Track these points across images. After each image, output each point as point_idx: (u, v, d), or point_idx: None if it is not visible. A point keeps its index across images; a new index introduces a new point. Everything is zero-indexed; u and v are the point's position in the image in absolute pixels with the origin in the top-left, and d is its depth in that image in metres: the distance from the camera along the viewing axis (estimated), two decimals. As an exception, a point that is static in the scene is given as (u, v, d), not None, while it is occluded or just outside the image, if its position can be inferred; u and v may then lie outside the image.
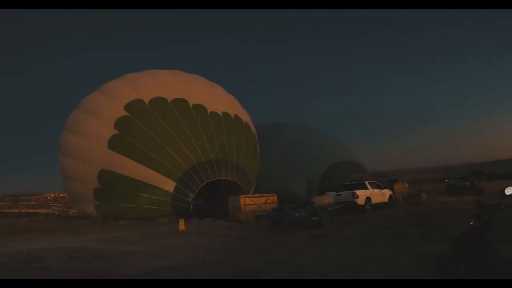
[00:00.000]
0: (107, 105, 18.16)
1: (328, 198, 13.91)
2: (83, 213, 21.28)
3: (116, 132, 17.46)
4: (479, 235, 4.39)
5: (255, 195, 15.80)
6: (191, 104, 18.67)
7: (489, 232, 4.47)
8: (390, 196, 17.92)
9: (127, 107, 17.80)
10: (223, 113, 19.71)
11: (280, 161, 23.33)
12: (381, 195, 17.01)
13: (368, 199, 15.65)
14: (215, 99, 20.14)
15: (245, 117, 21.69)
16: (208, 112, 19.00)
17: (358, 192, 15.36)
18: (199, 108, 18.80)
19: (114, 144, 17.42)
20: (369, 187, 16.42)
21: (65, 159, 19.35)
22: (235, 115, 20.50)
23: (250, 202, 14.92)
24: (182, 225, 12.63)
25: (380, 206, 16.71)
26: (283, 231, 11.15)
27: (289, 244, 8.45)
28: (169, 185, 17.30)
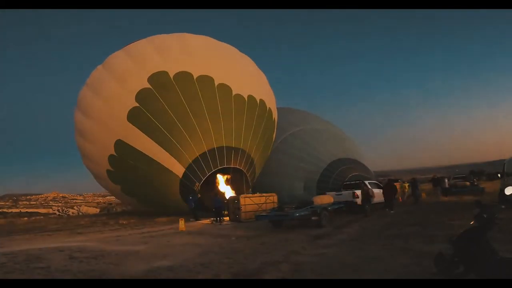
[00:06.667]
0: (132, 72, 17.35)
1: (328, 198, 13.90)
2: (93, 173, 20.75)
3: (136, 104, 16.94)
4: (479, 235, 4.40)
5: (255, 195, 15.76)
6: (216, 83, 17.81)
7: (489, 232, 4.48)
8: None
9: (151, 79, 17.05)
10: (249, 96, 18.83)
11: (279, 155, 22.43)
12: (381, 195, 16.97)
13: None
14: (243, 78, 19.18)
15: (270, 101, 20.79)
16: (233, 94, 18.16)
17: (358, 192, 15.34)
18: (224, 89, 17.97)
19: (133, 117, 16.99)
20: (369, 187, 16.38)
21: (83, 118, 18.81)
22: (260, 100, 19.56)
23: (250, 202, 14.91)
24: (182, 224, 12.64)
25: (380, 206, 16.69)
26: (283, 231, 11.15)
27: (289, 244, 8.45)
28: (179, 170, 17.01)
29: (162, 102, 16.83)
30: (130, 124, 16.99)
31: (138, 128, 16.94)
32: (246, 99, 18.57)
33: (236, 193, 17.95)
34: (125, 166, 17.87)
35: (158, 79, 17.06)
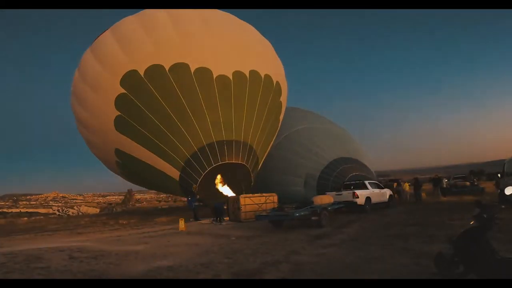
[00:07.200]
0: (104, 79, 16.03)
1: (328, 198, 13.91)
2: (103, 161, 20.34)
3: (118, 113, 16.07)
4: (479, 235, 4.39)
5: (255, 195, 15.70)
6: (193, 69, 15.62)
7: (489, 232, 4.48)
8: (390, 196, 17.92)
9: (123, 82, 15.69)
10: (252, 72, 16.66)
11: (281, 151, 22.01)
12: (381, 195, 17.01)
13: (368, 199, 15.64)
14: (246, 50, 16.90)
15: (278, 74, 18.66)
16: (232, 72, 16.08)
17: (358, 192, 15.35)
18: (204, 72, 15.72)
19: (119, 126, 16.31)
20: (369, 186, 16.40)
21: (83, 128, 18.53)
22: (266, 75, 17.41)
23: (250, 202, 14.89)
24: (182, 224, 12.64)
25: (380, 206, 16.71)
26: (283, 231, 11.15)
27: (289, 244, 8.45)
28: (174, 174, 16.50)
29: (139, 106, 15.78)
30: (119, 133, 16.53)
31: (127, 136, 16.47)
32: (248, 76, 16.68)
33: (237, 189, 17.77)
34: (130, 170, 18.38)
35: (129, 80, 15.68)
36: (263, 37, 18.94)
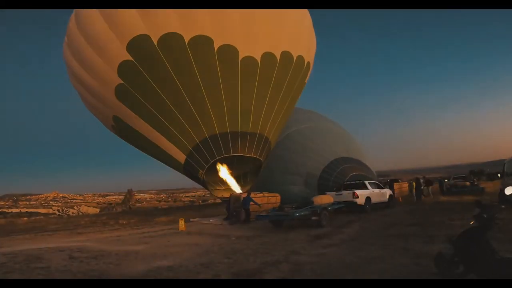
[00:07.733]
0: (108, 38, 13.56)
1: (328, 198, 13.90)
2: (98, 118, 18.35)
3: (120, 81, 13.99)
4: (479, 235, 4.40)
5: (257, 194, 15.61)
6: (217, 45, 13.37)
7: (489, 232, 4.48)
8: (390, 196, 17.91)
9: (130, 46, 13.32)
10: (283, 54, 14.55)
11: (282, 150, 21.65)
12: (381, 195, 17.00)
13: (368, 199, 15.64)
14: (281, 27, 14.36)
15: (310, 52, 16.69)
16: (261, 54, 13.95)
17: (358, 192, 15.35)
18: (229, 50, 13.51)
19: (121, 95, 14.32)
20: (369, 187, 16.39)
21: (76, 83, 16.19)
22: (298, 56, 15.28)
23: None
24: (182, 224, 12.63)
25: (380, 206, 16.70)
26: (283, 231, 11.15)
27: (289, 244, 8.45)
28: (180, 156, 15.19)
29: (146, 77, 13.66)
30: (120, 103, 14.68)
31: (129, 108, 14.70)
32: (279, 58, 14.62)
33: (243, 180, 17.24)
34: (127, 138, 17.14)
35: (138, 46, 13.30)
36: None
